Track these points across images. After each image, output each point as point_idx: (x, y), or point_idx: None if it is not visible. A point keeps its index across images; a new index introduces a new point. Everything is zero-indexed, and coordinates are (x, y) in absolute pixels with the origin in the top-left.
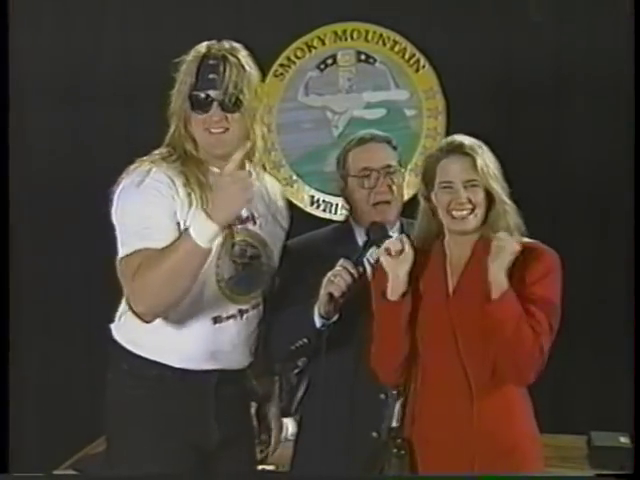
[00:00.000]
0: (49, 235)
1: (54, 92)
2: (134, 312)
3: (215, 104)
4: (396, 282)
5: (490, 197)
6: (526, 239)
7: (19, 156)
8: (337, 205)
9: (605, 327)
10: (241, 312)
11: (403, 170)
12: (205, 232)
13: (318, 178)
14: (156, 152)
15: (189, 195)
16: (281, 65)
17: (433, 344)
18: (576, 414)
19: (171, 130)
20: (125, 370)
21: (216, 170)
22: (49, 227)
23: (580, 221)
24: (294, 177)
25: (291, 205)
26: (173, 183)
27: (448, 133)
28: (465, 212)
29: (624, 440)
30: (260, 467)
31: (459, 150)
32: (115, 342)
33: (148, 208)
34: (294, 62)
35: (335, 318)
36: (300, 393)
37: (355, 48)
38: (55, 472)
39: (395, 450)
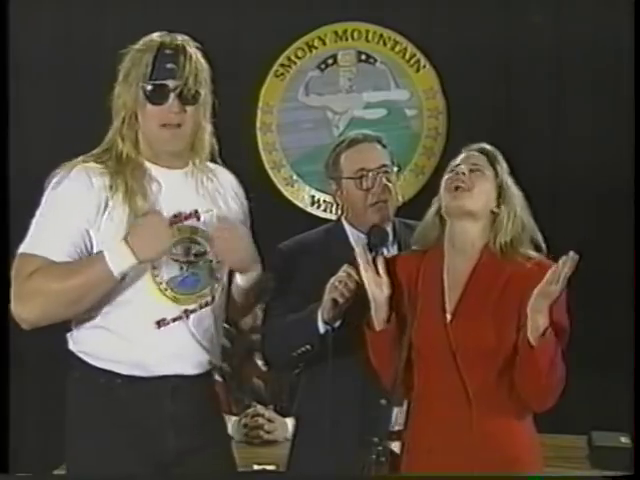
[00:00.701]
0: None
1: (54, 91)
2: (14, 313)
3: (173, 95)
4: (378, 311)
5: (501, 198)
6: (532, 253)
7: (19, 156)
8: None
9: (605, 327)
10: (187, 312)
11: (396, 169)
12: (122, 263)
13: (318, 178)
14: (93, 152)
15: (107, 200)
16: (282, 65)
17: (431, 359)
18: (576, 414)
19: (115, 126)
20: (77, 378)
21: (156, 168)
22: None
23: (580, 220)
24: (294, 177)
25: (291, 204)
26: (92, 185)
27: (449, 133)
28: (461, 184)
29: (625, 440)
30: (260, 467)
31: (478, 149)
32: (69, 351)
33: (58, 217)
34: (295, 62)
35: (338, 323)
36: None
37: (355, 48)
38: (55, 472)
39: (374, 457)
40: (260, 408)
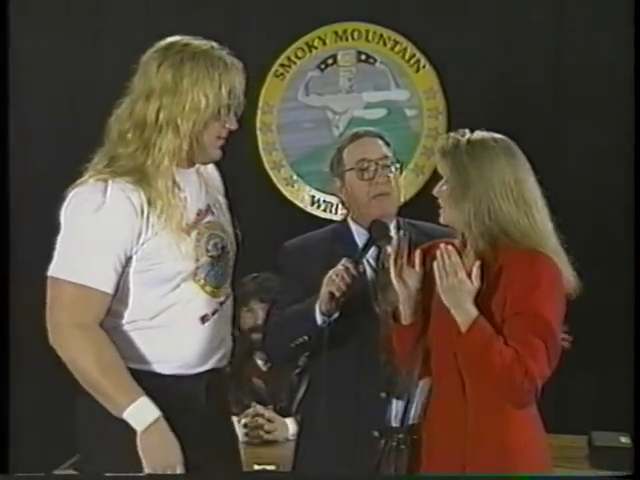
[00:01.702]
0: (50, 236)
1: (55, 94)
2: (53, 339)
3: (232, 113)
4: (407, 304)
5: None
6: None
7: (19, 159)
8: (338, 205)
9: (605, 327)
10: (221, 304)
11: (399, 165)
12: (133, 419)
13: (318, 178)
14: (109, 163)
15: (148, 216)
16: (281, 65)
17: (438, 350)
18: (576, 414)
19: (153, 134)
20: None
21: (179, 172)
22: (50, 227)
23: (580, 221)
24: (294, 177)
25: (291, 204)
26: (132, 206)
27: (448, 133)
28: (439, 203)
29: (625, 440)
30: (260, 467)
31: (438, 148)
32: None
33: (104, 245)
34: (294, 62)
35: (336, 315)
36: (301, 393)
37: (355, 48)
38: (55, 472)
39: (395, 444)
40: (260, 408)
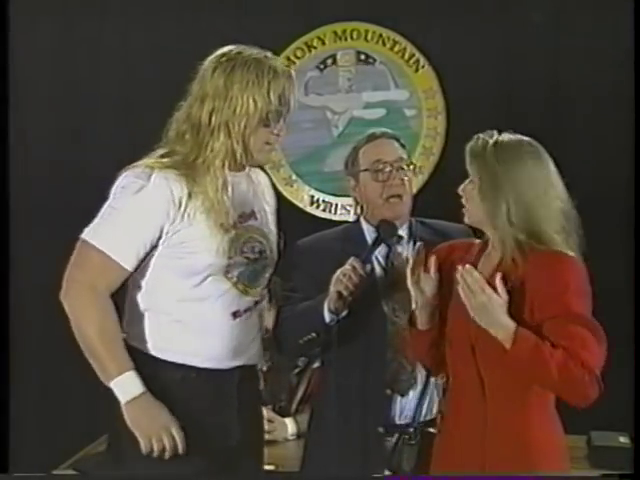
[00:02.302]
0: (50, 235)
1: (55, 94)
2: (64, 293)
3: (282, 120)
4: (423, 310)
5: (492, 200)
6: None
7: (19, 159)
8: (337, 205)
9: (605, 327)
10: (256, 303)
11: (413, 167)
12: (119, 389)
13: (318, 178)
14: (163, 155)
15: (185, 207)
16: None
17: (456, 351)
18: (576, 414)
19: (206, 135)
20: (148, 375)
21: (228, 174)
22: (50, 227)
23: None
24: (294, 177)
25: (290, 204)
26: (172, 195)
27: (448, 133)
28: (463, 202)
29: (624, 440)
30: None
31: (469, 148)
32: (133, 348)
33: (136, 224)
34: (294, 62)
35: (344, 314)
36: (300, 393)
37: (355, 48)
38: (55, 472)
39: (406, 437)
40: None
